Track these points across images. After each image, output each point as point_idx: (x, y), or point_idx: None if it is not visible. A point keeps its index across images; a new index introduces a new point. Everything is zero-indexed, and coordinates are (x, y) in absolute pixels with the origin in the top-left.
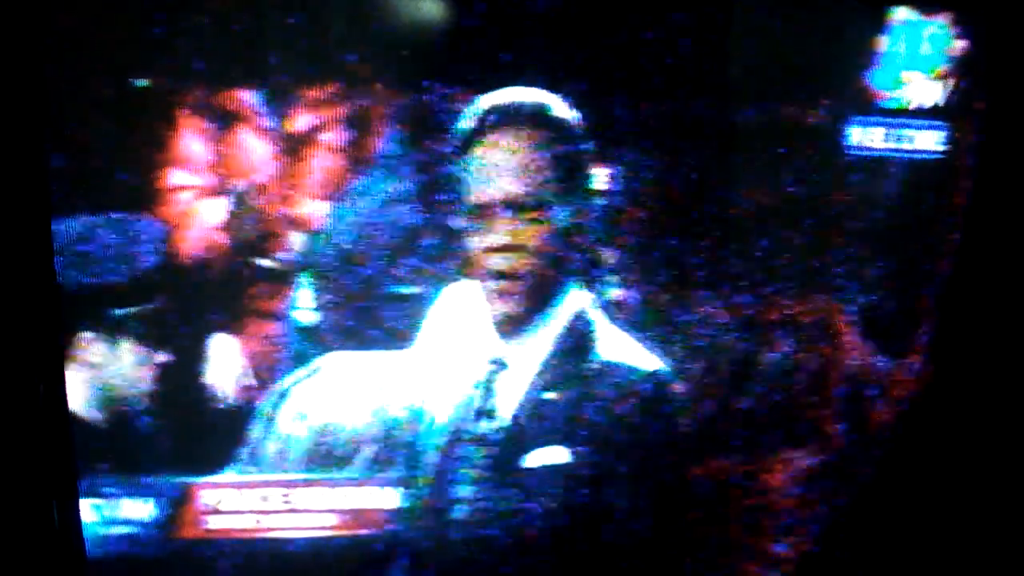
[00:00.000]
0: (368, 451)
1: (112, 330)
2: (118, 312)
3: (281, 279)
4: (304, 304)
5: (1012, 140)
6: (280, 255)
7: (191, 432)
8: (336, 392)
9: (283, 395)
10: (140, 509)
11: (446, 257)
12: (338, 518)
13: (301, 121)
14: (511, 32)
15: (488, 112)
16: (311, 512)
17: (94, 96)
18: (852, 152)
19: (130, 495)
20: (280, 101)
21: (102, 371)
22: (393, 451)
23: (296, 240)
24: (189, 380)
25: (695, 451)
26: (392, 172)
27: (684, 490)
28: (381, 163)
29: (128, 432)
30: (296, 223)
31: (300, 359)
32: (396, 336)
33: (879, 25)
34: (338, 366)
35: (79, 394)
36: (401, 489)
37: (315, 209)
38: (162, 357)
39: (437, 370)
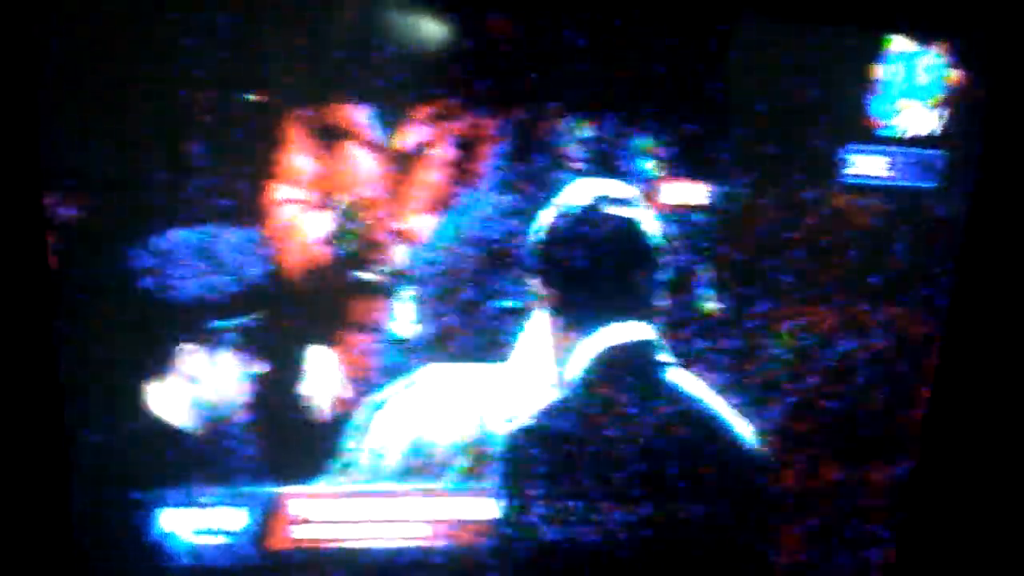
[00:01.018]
0: (462, 463)
1: (212, 342)
2: (219, 324)
3: (382, 292)
4: (403, 317)
5: (1007, 168)
6: (382, 268)
7: (286, 443)
8: (432, 404)
9: (379, 406)
10: (234, 518)
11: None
12: (432, 529)
13: (408, 137)
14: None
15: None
16: (404, 523)
17: (201, 109)
18: (848, 180)
19: (224, 504)
20: (388, 117)
21: (201, 382)
22: (487, 463)
23: (398, 253)
24: (286, 391)
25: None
26: (496, 187)
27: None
28: (486, 179)
29: (225, 442)
30: (399, 236)
31: (397, 371)
32: (493, 349)
33: (876, 54)
34: (435, 378)
35: (177, 404)
36: (494, 500)
37: (418, 223)
38: (260, 368)
39: (531, 384)
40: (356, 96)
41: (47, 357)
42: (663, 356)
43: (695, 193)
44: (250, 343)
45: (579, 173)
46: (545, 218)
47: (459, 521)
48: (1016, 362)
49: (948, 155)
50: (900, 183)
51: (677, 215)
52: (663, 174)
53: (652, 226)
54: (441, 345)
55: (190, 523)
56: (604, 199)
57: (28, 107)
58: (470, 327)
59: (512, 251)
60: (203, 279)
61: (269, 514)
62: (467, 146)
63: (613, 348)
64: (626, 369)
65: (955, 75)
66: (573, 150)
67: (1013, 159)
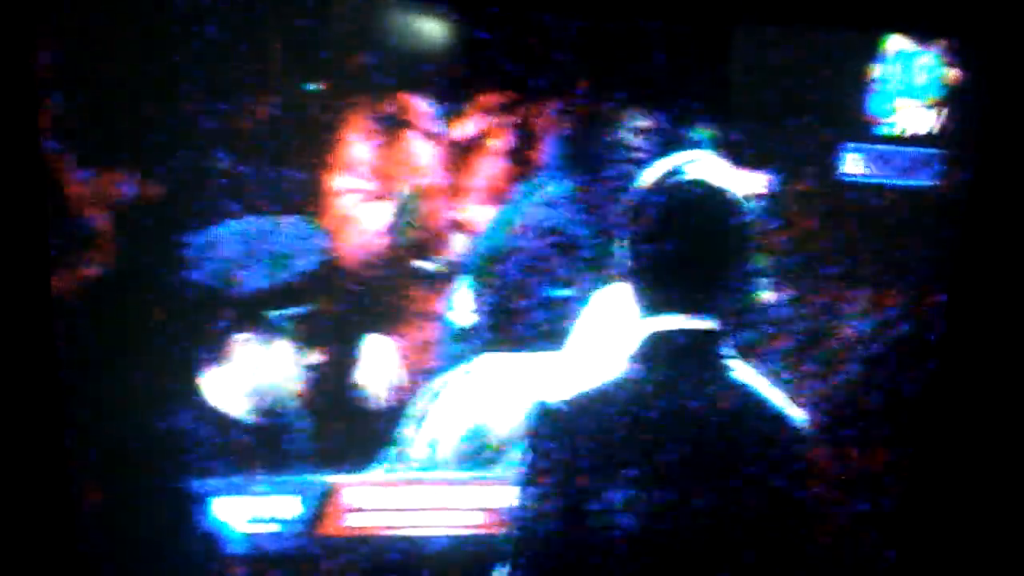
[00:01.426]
0: (518, 451)
1: (268, 331)
2: (275, 313)
3: (440, 281)
4: (461, 306)
5: (1004, 166)
6: (440, 258)
7: (342, 431)
8: (488, 392)
9: (436, 395)
10: (288, 506)
11: (600, 262)
12: (487, 516)
13: (468, 127)
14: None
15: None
16: (459, 511)
17: (259, 99)
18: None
19: (279, 492)
20: (447, 107)
21: (257, 371)
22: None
23: (457, 243)
24: (343, 380)
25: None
26: (554, 179)
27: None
28: (544, 170)
29: (280, 431)
30: (457, 226)
31: (454, 360)
32: (550, 337)
33: (874, 54)
34: (492, 366)
35: (234, 394)
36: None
37: (477, 213)
38: (317, 357)
39: (587, 371)
40: (416, 86)
41: (106, 348)
42: (724, 346)
43: (754, 182)
44: (308, 332)
45: (638, 163)
46: (642, 186)
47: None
48: (1014, 358)
49: (945, 154)
50: (896, 181)
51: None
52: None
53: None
54: (498, 333)
55: (245, 512)
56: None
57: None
58: (527, 315)
59: (569, 239)
60: (262, 269)
61: (324, 502)
62: (526, 136)
63: (674, 333)
64: (685, 355)
65: (952, 74)
66: (632, 139)
67: (1009, 157)
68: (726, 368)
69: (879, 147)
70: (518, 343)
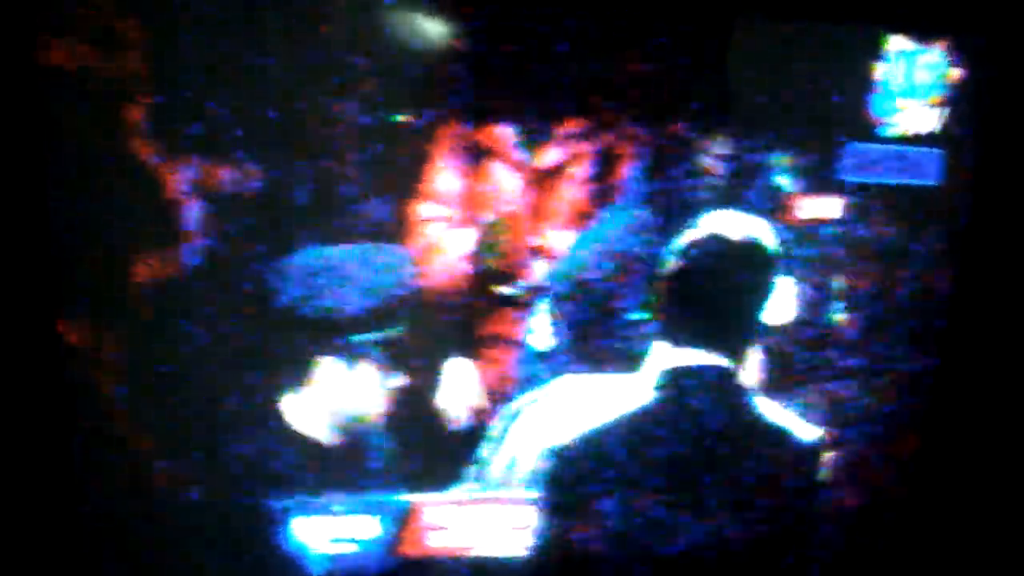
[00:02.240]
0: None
1: (352, 355)
2: (360, 337)
3: (520, 306)
4: (540, 329)
5: (1007, 165)
6: (521, 283)
7: (424, 451)
8: (566, 413)
9: (514, 416)
10: (368, 526)
11: None
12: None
13: (550, 156)
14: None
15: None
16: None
17: (348, 127)
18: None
19: (358, 512)
20: (530, 137)
21: (340, 394)
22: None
23: (539, 268)
24: (424, 403)
25: None
26: (633, 205)
27: None
28: (623, 196)
29: (363, 452)
30: (540, 252)
31: (534, 382)
32: (627, 360)
33: (876, 53)
34: (570, 388)
35: (318, 416)
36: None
37: (558, 239)
38: (400, 380)
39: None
40: (501, 117)
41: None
42: (743, 383)
43: (829, 207)
44: (392, 356)
45: (717, 189)
46: (674, 247)
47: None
48: (1016, 356)
49: (948, 153)
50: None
51: (810, 229)
52: (798, 189)
53: (770, 258)
54: (576, 355)
55: (327, 531)
56: (726, 238)
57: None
58: (605, 338)
59: (647, 265)
60: (349, 294)
61: (404, 521)
62: (606, 163)
63: (694, 367)
64: (704, 387)
65: (955, 74)
66: (711, 165)
67: (1012, 157)
68: (741, 398)
69: (882, 147)
70: (596, 365)
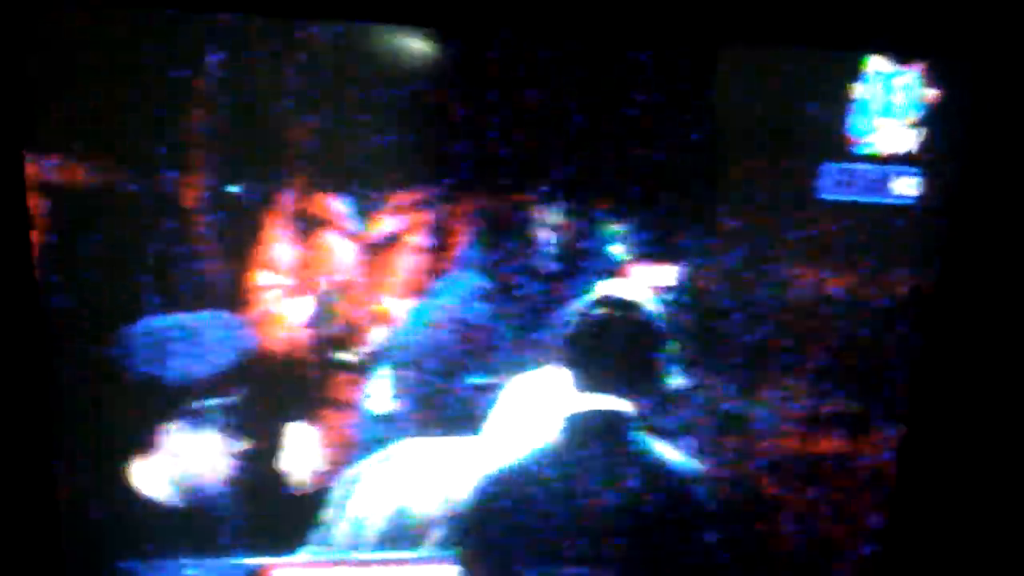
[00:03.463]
0: (438, 532)
1: (194, 420)
2: (201, 404)
3: (359, 371)
4: (379, 394)
5: (985, 187)
6: (359, 349)
7: (268, 515)
8: (407, 476)
9: (356, 480)
10: None
11: (517, 351)
12: None
13: (386, 224)
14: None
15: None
16: None
17: (185, 199)
18: (825, 198)
19: (209, 575)
20: (363, 206)
21: (184, 459)
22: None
23: (376, 335)
24: (267, 466)
25: None
26: (472, 271)
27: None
28: (460, 264)
29: (209, 515)
30: (377, 319)
31: (374, 445)
32: (467, 424)
33: (853, 74)
34: (410, 452)
35: (162, 481)
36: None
37: (396, 306)
38: (242, 445)
39: (504, 455)
40: (332, 186)
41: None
42: (639, 425)
43: (664, 275)
44: (232, 421)
45: (552, 257)
46: (575, 308)
47: None
48: (996, 379)
49: (925, 173)
50: (877, 200)
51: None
52: (632, 257)
53: (654, 315)
54: (416, 420)
55: None
56: (614, 300)
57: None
58: (443, 403)
59: (483, 331)
60: (188, 362)
61: None
62: (440, 233)
63: (591, 414)
64: (601, 435)
65: (932, 94)
66: (544, 235)
67: (990, 177)
68: (638, 442)
69: (858, 166)
70: (435, 429)
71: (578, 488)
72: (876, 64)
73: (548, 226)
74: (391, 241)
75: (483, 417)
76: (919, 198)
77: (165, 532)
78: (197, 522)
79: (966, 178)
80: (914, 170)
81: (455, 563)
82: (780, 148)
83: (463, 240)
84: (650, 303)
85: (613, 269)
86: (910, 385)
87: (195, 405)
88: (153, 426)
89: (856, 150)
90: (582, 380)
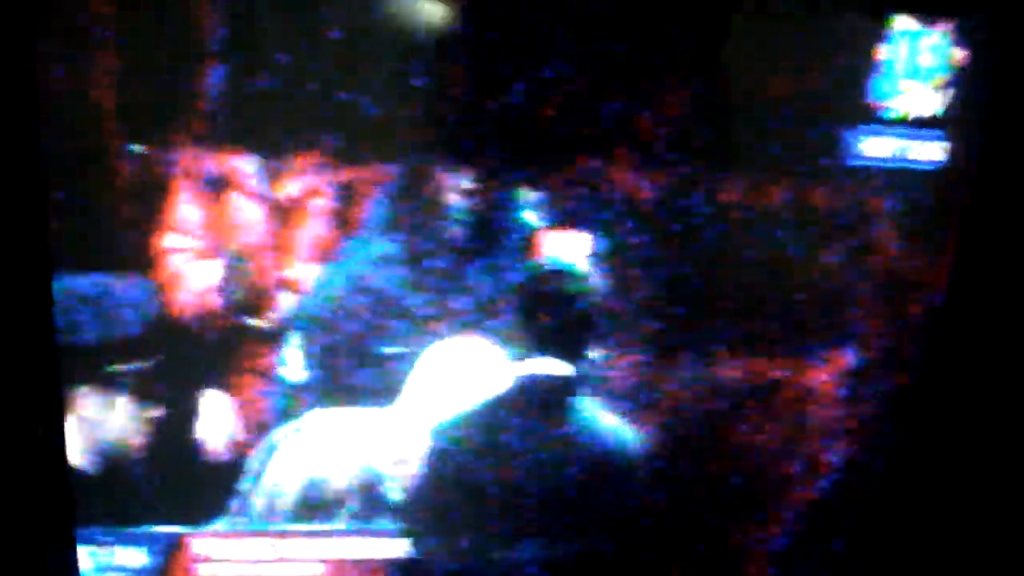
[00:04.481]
0: (353, 503)
1: (107, 386)
2: (113, 369)
3: (270, 338)
4: (292, 362)
5: (1012, 150)
6: (270, 315)
7: (183, 484)
8: (321, 446)
9: (271, 449)
10: (134, 557)
11: (431, 318)
12: (325, 568)
13: (292, 187)
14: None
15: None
16: (299, 562)
17: (90, 159)
18: (851, 162)
19: (124, 544)
20: (273, 168)
21: (97, 425)
22: (377, 503)
23: (286, 301)
24: (181, 434)
25: None
26: (380, 235)
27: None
28: (370, 227)
29: (123, 483)
30: (286, 285)
31: (287, 414)
32: (380, 394)
33: (879, 34)
34: (323, 422)
35: (75, 446)
36: (385, 539)
37: (305, 271)
38: (155, 412)
39: (418, 426)
40: (240, 146)
41: None
42: (576, 388)
43: (578, 243)
44: (144, 387)
45: (462, 223)
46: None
47: (354, 561)
48: (1016, 343)
49: (951, 137)
50: (903, 165)
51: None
52: (544, 224)
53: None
54: (329, 390)
55: (90, 562)
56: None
57: None
58: (356, 372)
59: (395, 297)
60: (97, 325)
61: (171, 553)
62: (349, 195)
63: (528, 379)
64: (538, 399)
65: (959, 55)
66: (455, 199)
67: (1017, 141)
68: (579, 405)
69: (884, 130)
70: (347, 399)
71: (518, 455)
72: (902, 24)
73: (459, 191)
74: (298, 204)
75: (398, 388)
76: (944, 163)
77: (77, 500)
78: (111, 490)
79: (992, 142)
80: (940, 134)
81: (372, 535)
82: (801, 113)
83: (371, 204)
84: (588, 269)
85: (527, 236)
86: (926, 357)
87: (105, 370)
88: (63, 391)
89: (881, 114)
90: (522, 345)
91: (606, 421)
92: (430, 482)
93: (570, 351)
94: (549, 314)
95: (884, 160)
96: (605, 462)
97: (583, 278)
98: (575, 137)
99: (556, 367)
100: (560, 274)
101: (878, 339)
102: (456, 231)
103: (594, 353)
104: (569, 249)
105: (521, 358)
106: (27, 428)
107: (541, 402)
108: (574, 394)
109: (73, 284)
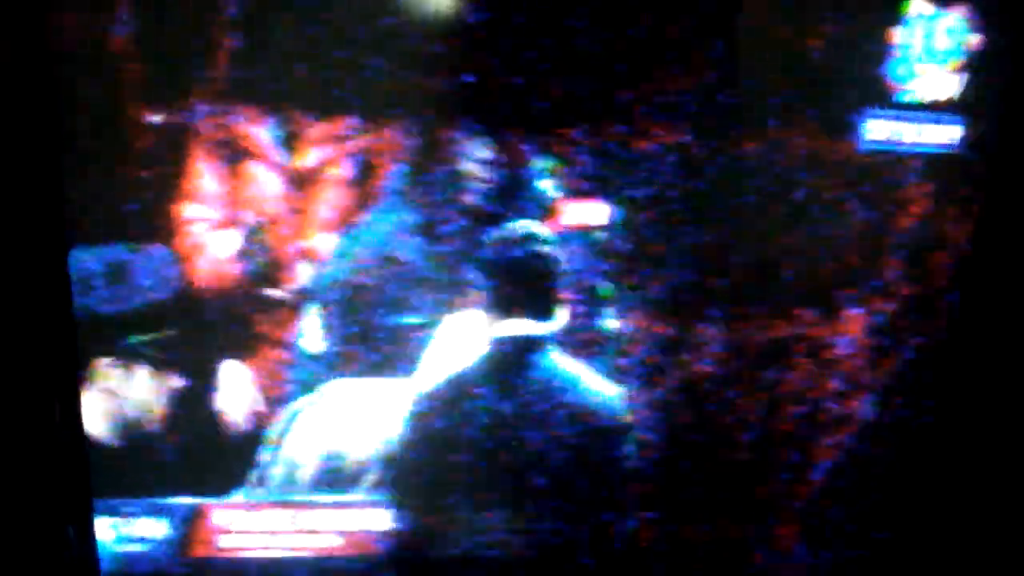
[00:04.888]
0: (372, 474)
1: (127, 356)
2: (133, 339)
3: (290, 308)
4: (311, 332)
5: None
6: (289, 286)
7: (204, 455)
8: (340, 417)
9: (290, 420)
10: (155, 528)
11: (450, 288)
12: (344, 539)
13: (311, 156)
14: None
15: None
16: (317, 533)
17: (110, 129)
18: (866, 146)
19: (145, 515)
20: (291, 137)
21: (118, 396)
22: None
23: (305, 271)
24: (201, 405)
25: None
26: (400, 206)
27: None
28: (389, 197)
29: (144, 454)
30: (305, 255)
31: (307, 385)
32: (399, 364)
33: (894, 17)
34: (343, 392)
35: (96, 418)
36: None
37: (324, 241)
38: (176, 382)
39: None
40: (259, 115)
41: None
42: (552, 347)
43: (596, 213)
44: (165, 358)
45: (481, 192)
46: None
47: (372, 532)
48: None
49: (967, 120)
50: (918, 149)
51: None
52: (563, 194)
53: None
54: (347, 360)
55: (112, 532)
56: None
57: None
58: (375, 343)
59: (415, 267)
60: (117, 296)
61: (192, 524)
62: (367, 166)
63: (505, 340)
64: (516, 359)
65: (975, 38)
66: (475, 169)
67: None
68: (552, 361)
69: (900, 113)
70: (367, 369)
71: (497, 417)
72: (918, 7)
73: (477, 160)
74: (317, 174)
75: (416, 358)
76: (960, 146)
77: (99, 472)
78: (132, 461)
79: (1009, 125)
80: (956, 117)
81: (388, 506)
82: (817, 96)
83: (390, 174)
84: (551, 234)
85: (544, 206)
86: (948, 341)
87: (125, 340)
88: (83, 361)
89: (897, 97)
90: (495, 307)
91: (586, 381)
92: (413, 446)
93: (539, 312)
94: (518, 278)
95: (899, 144)
96: (583, 424)
97: (549, 242)
98: (592, 102)
99: (528, 327)
100: (528, 239)
101: (899, 299)
102: (472, 200)
103: (564, 312)
104: (590, 217)
105: (498, 319)
106: (44, 402)
107: (516, 362)
108: (545, 352)
109: (91, 255)
